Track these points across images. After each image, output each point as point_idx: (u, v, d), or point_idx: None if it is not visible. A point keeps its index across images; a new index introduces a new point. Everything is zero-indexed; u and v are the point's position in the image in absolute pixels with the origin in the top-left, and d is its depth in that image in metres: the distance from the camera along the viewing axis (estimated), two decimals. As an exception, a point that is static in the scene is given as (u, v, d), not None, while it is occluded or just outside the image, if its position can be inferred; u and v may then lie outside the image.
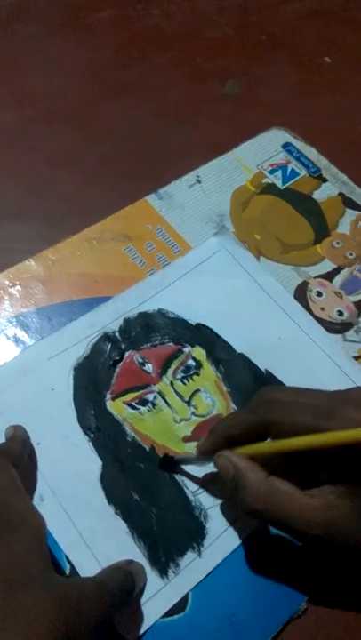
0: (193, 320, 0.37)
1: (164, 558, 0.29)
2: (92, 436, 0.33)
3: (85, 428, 0.33)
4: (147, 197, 0.43)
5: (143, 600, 0.28)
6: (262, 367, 0.36)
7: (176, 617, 0.28)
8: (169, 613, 0.28)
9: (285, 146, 0.47)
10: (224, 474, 0.27)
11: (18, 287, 0.38)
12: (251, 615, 0.29)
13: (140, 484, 0.31)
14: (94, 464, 0.32)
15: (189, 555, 0.30)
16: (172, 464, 0.32)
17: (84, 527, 0.30)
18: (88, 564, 0.29)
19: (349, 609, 0.29)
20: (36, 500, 0.30)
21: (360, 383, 0.35)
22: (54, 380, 0.34)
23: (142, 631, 0.28)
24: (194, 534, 0.30)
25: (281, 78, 0.52)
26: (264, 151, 0.46)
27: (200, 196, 0.43)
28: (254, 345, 0.36)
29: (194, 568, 0.29)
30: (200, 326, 0.37)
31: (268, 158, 0.46)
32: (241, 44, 0.55)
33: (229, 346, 0.36)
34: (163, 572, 0.29)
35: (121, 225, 0.41)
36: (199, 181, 0.44)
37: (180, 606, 0.29)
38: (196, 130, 0.48)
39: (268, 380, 0.35)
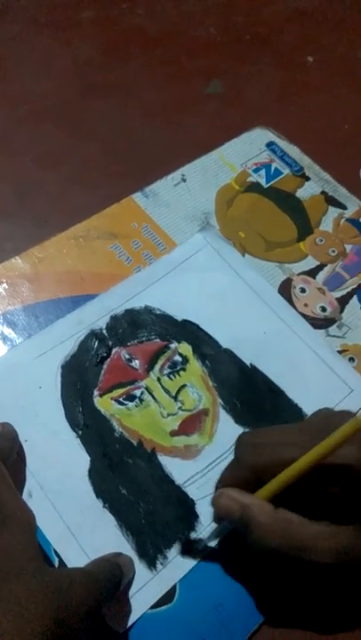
0: (179, 316, 0.38)
1: (152, 550, 0.30)
2: (79, 432, 0.33)
3: (73, 425, 0.33)
4: (132, 196, 0.43)
5: (131, 592, 0.29)
6: (248, 362, 0.36)
7: (164, 607, 0.29)
8: (157, 604, 0.29)
9: (269, 145, 0.47)
10: (229, 514, 0.27)
11: (4, 285, 0.38)
12: (237, 605, 0.29)
13: (128, 478, 0.32)
14: (82, 460, 0.32)
15: (177, 547, 0.30)
16: (195, 549, 0.30)
17: (73, 521, 0.30)
18: (76, 558, 0.29)
19: (330, 604, 0.30)
20: (24, 496, 0.31)
21: (343, 375, 0.36)
22: (42, 378, 0.35)
23: (130, 622, 0.28)
24: (181, 526, 0.31)
25: (265, 78, 0.53)
26: (248, 150, 0.47)
27: (185, 195, 0.44)
28: (240, 340, 0.37)
29: (182, 560, 0.30)
30: (186, 322, 0.38)
31: (252, 157, 0.47)
32: (225, 44, 0.55)
33: (215, 341, 0.37)
34: (151, 564, 0.30)
35: (107, 223, 0.42)
36: (184, 180, 0.45)
37: (167, 597, 0.29)
38: (180, 129, 0.48)
39: (253, 374, 0.36)
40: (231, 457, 0.31)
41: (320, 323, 0.39)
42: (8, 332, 0.36)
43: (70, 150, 0.46)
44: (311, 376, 0.36)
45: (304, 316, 0.39)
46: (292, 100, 0.52)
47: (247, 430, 0.34)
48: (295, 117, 0.50)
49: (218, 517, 0.29)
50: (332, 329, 0.39)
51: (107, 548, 0.29)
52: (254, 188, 0.45)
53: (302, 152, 0.47)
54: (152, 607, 0.29)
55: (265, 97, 0.52)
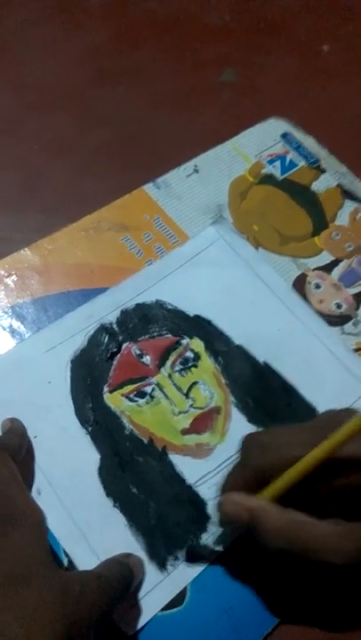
0: (191, 311, 0.37)
1: (163, 551, 0.29)
2: (89, 429, 0.32)
3: (83, 422, 0.33)
4: (144, 187, 0.42)
5: (142, 594, 0.28)
6: (261, 359, 0.35)
7: (174, 610, 0.28)
8: (167, 607, 0.28)
9: (284, 135, 0.46)
10: (236, 519, 0.26)
11: (13, 277, 0.37)
12: (248, 608, 0.29)
13: (139, 477, 0.31)
14: (92, 457, 0.32)
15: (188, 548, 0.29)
16: (200, 555, 0.30)
17: (82, 520, 0.30)
18: (86, 558, 0.29)
19: (345, 606, 0.29)
20: (33, 494, 0.30)
21: (358, 374, 0.35)
22: (51, 373, 0.34)
23: (141, 625, 0.27)
24: (193, 527, 0.30)
25: (279, 66, 0.52)
26: (263, 141, 0.46)
27: (198, 186, 0.43)
28: (253, 336, 0.36)
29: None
30: (198, 318, 0.37)
31: (266, 148, 0.45)
32: (239, 32, 0.54)
33: (228, 337, 0.36)
34: (162, 566, 0.29)
35: (118, 214, 0.41)
36: (197, 171, 0.44)
37: (178, 600, 0.29)
38: (193, 118, 0.47)
39: (266, 371, 0.35)
40: None
41: (335, 320, 0.38)
42: (17, 325, 0.35)
43: (80, 139, 0.45)
44: (326, 375, 0.35)
45: (319, 312, 0.38)
46: (307, 90, 0.50)
47: (252, 431, 0.33)
48: (311, 107, 0.49)
49: (223, 522, 0.29)
50: (348, 326, 0.38)
51: (116, 549, 0.29)
52: (269, 179, 0.44)
53: (318, 143, 0.46)
54: (162, 610, 0.28)
55: (280, 86, 0.50)
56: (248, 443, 0.28)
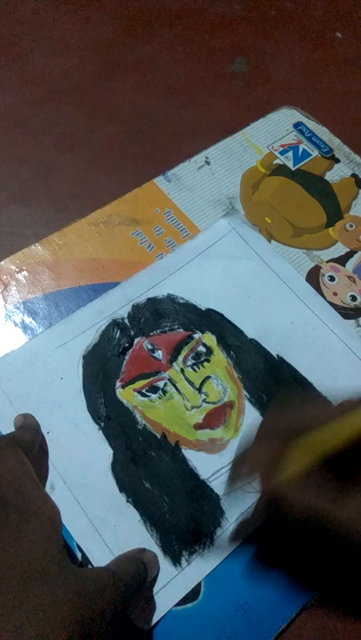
0: (203, 305, 0.36)
1: (177, 547, 0.29)
2: (102, 424, 0.32)
3: (95, 417, 0.33)
4: (155, 180, 0.42)
5: (156, 589, 0.28)
6: (274, 353, 0.35)
7: (189, 605, 0.28)
8: (182, 602, 0.28)
9: (297, 125, 0.45)
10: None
11: (25, 273, 0.37)
12: (263, 604, 0.28)
13: (152, 472, 0.31)
14: (105, 452, 0.32)
15: (202, 543, 0.29)
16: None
17: (96, 516, 0.30)
18: (100, 553, 0.29)
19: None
20: (47, 489, 0.30)
21: None
22: (63, 369, 0.34)
23: (156, 620, 0.27)
24: (207, 522, 0.30)
25: (291, 55, 0.51)
26: (275, 131, 0.45)
27: (209, 178, 0.42)
28: (266, 330, 0.36)
29: (206, 556, 0.29)
30: (210, 312, 0.36)
31: (278, 138, 0.45)
32: (250, 20, 0.53)
33: (240, 331, 0.36)
34: (176, 561, 0.29)
35: (128, 208, 0.40)
36: (208, 163, 0.43)
37: (192, 595, 0.28)
38: (204, 109, 0.47)
39: (280, 365, 0.35)
40: None
41: (350, 312, 0.37)
42: (29, 320, 0.35)
43: (90, 132, 0.45)
44: (340, 368, 0.35)
45: (333, 305, 0.37)
46: (320, 78, 0.49)
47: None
48: (324, 96, 0.48)
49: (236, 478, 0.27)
50: (363, 319, 0.37)
51: (130, 544, 0.29)
52: (281, 170, 0.43)
53: (331, 133, 0.45)
54: (177, 605, 0.28)
55: (292, 75, 0.49)
56: (272, 413, 0.26)
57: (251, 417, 0.33)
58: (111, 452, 0.32)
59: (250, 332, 0.36)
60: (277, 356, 0.35)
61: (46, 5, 0.52)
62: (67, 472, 0.31)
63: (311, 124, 0.45)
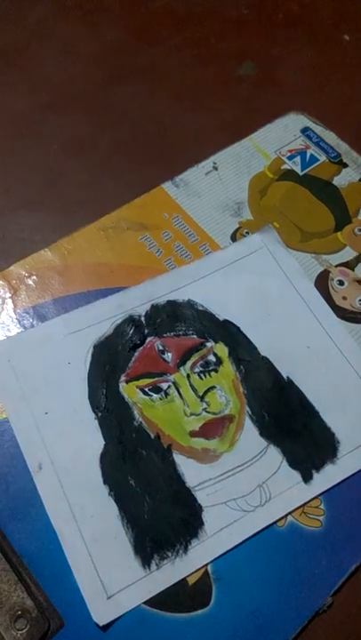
0: (221, 316, 0.36)
1: (150, 549, 0.29)
2: (99, 414, 0.33)
3: (94, 406, 0.33)
4: (163, 185, 0.42)
5: (119, 587, 0.28)
6: (285, 374, 0.35)
7: (200, 612, 0.28)
8: (192, 608, 0.28)
9: (304, 131, 0.45)
10: None
11: (34, 277, 0.37)
12: (275, 610, 0.28)
13: (139, 471, 0.31)
14: (97, 442, 0.32)
15: (175, 550, 0.29)
16: None
17: (76, 503, 0.30)
18: (73, 539, 0.29)
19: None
20: (34, 468, 0.31)
21: None
22: (72, 355, 0.34)
23: (114, 618, 0.28)
24: (184, 531, 0.30)
25: (299, 58, 0.51)
26: (282, 136, 0.45)
27: (217, 184, 0.42)
28: (280, 350, 0.35)
29: (177, 565, 0.29)
30: (227, 323, 0.36)
31: (286, 144, 0.45)
32: (257, 24, 0.53)
33: (254, 347, 0.35)
34: (145, 563, 0.29)
35: (137, 214, 0.40)
36: (216, 168, 0.43)
37: (203, 601, 0.28)
38: (211, 113, 0.47)
39: (288, 388, 0.34)
40: (250, 469, 0.30)
41: (360, 317, 0.37)
42: (37, 325, 0.35)
43: (98, 138, 0.45)
44: (351, 401, 0.34)
45: (342, 309, 0.37)
46: (327, 82, 0.49)
47: (271, 445, 0.32)
48: (331, 100, 0.48)
49: None
50: (372, 324, 0.37)
51: (104, 537, 0.29)
52: (289, 175, 0.43)
53: (339, 137, 0.45)
54: (188, 612, 0.28)
55: (299, 78, 0.49)
56: None
57: (249, 434, 0.33)
58: (103, 442, 0.32)
59: (263, 350, 0.35)
60: (287, 377, 0.34)
61: (54, 12, 0.52)
62: (57, 455, 0.31)
63: (319, 130, 0.45)
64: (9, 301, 0.36)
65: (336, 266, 0.39)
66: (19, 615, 0.27)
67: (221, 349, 0.35)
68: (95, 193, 0.42)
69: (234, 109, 0.47)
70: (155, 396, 0.33)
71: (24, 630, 0.27)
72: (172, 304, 0.36)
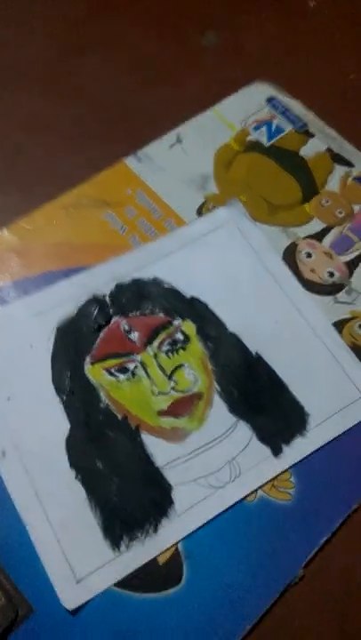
0: (188, 293, 0.36)
1: (119, 530, 0.29)
2: (64, 398, 0.32)
3: (59, 389, 0.32)
4: (125, 160, 0.40)
5: (89, 570, 0.28)
6: (253, 350, 0.34)
7: (172, 591, 0.28)
8: (164, 588, 0.28)
9: (270, 100, 0.44)
10: None
11: (-8, 260, 0.36)
12: (247, 584, 0.28)
13: (106, 452, 0.31)
14: (62, 426, 0.31)
15: (145, 530, 0.29)
16: None
17: (42, 488, 0.29)
18: (40, 525, 0.29)
19: (347, 574, 0.29)
20: None
21: (355, 379, 0.33)
22: (35, 337, 0.33)
23: (83, 602, 0.27)
24: (153, 510, 0.29)
25: (263, 27, 0.49)
26: (247, 107, 0.44)
27: (181, 157, 0.41)
28: (248, 326, 0.35)
29: (147, 545, 0.29)
30: (194, 300, 0.35)
31: (251, 114, 0.44)
32: (220, -8, 0.51)
33: (222, 324, 0.35)
34: (115, 544, 0.28)
35: (98, 190, 0.39)
36: (180, 141, 0.42)
37: (175, 579, 0.28)
38: (174, 85, 0.45)
39: (256, 363, 0.34)
40: (219, 446, 0.30)
41: (328, 289, 0.37)
42: (-2, 309, 0.34)
43: (57, 112, 0.43)
44: (320, 374, 0.33)
45: (311, 282, 0.37)
46: (293, 50, 0.48)
47: (241, 420, 0.32)
48: (297, 69, 0.47)
49: None
50: (341, 295, 0.37)
51: (72, 521, 0.29)
52: (255, 147, 0.42)
53: (305, 107, 0.44)
54: (159, 590, 0.28)
55: (264, 47, 0.48)
56: None
57: (218, 411, 0.32)
58: (69, 426, 0.31)
59: (232, 326, 0.35)
60: (256, 353, 0.34)
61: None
62: (21, 440, 0.30)
63: (284, 99, 0.44)
64: (-33, 285, 0.35)
65: (304, 238, 0.39)
66: (-15, 604, 0.26)
67: (189, 327, 0.34)
68: (55, 170, 0.40)
69: (197, 81, 0.46)
70: (121, 376, 0.33)
71: (-9, 619, 0.26)
72: (137, 282, 0.36)
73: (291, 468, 0.31)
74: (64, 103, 0.44)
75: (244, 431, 0.32)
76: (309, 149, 0.42)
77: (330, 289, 0.37)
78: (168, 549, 0.29)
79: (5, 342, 0.33)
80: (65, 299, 0.35)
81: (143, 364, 0.33)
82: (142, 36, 0.48)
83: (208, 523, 0.29)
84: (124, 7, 0.49)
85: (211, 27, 0.49)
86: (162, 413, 0.32)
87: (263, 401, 0.32)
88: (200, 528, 0.29)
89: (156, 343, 0.34)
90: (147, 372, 0.33)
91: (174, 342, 0.34)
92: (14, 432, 0.31)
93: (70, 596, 0.27)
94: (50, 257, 0.36)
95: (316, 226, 0.39)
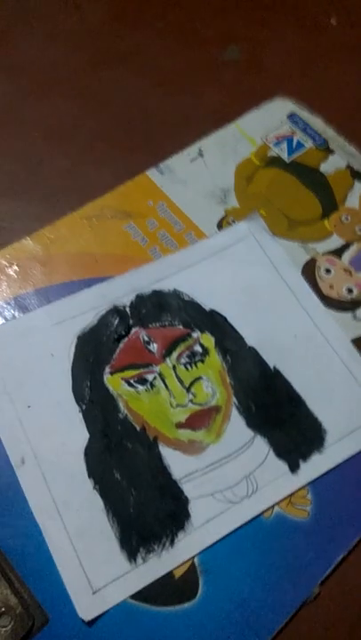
0: (207, 305, 0.36)
1: (136, 542, 0.29)
2: (83, 407, 0.32)
3: (78, 399, 0.32)
4: (147, 172, 0.41)
5: (105, 581, 0.28)
6: (271, 364, 0.34)
7: (187, 605, 0.28)
8: (179, 601, 0.28)
9: (291, 116, 0.45)
10: None
11: (15, 267, 0.36)
12: (263, 601, 0.28)
13: (124, 463, 0.31)
14: (81, 435, 0.31)
15: (162, 543, 0.29)
16: None
17: (60, 497, 0.30)
18: (57, 534, 0.29)
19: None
20: (16, 462, 0.30)
21: None
22: (56, 346, 0.33)
23: (99, 613, 0.27)
24: (171, 523, 0.29)
25: (285, 42, 0.50)
26: (268, 122, 0.44)
27: (203, 170, 0.41)
28: (267, 340, 0.35)
29: (163, 558, 0.29)
30: (214, 313, 0.36)
31: (272, 129, 0.44)
32: (242, 7, 0.52)
33: (241, 337, 0.35)
34: (131, 556, 0.29)
35: (121, 201, 0.39)
36: (201, 154, 0.42)
37: (190, 594, 0.28)
38: (196, 99, 0.46)
39: (275, 378, 0.34)
40: (236, 460, 0.30)
41: (346, 305, 0.37)
42: (20, 316, 0.35)
43: (81, 124, 0.44)
44: (338, 391, 0.33)
45: (329, 298, 0.37)
46: (314, 66, 0.49)
47: (258, 435, 0.32)
48: (318, 85, 0.47)
49: None
50: (360, 312, 0.37)
51: (89, 531, 0.29)
52: (275, 162, 0.42)
53: (326, 123, 0.44)
54: (174, 604, 0.28)
55: (285, 63, 0.49)
56: None
57: (235, 425, 0.32)
58: (87, 435, 0.31)
59: (250, 340, 0.35)
60: (274, 367, 0.34)
61: (34, -7, 0.51)
62: (40, 449, 0.31)
63: (305, 115, 0.45)
64: (-11, 292, 0.35)
65: (323, 254, 0.39)
66: (2, 612, 0.27)
67: (208, 340, 0.35)
68: (78, 180, 0.41)
69: (219, 95, 0.46)
70: (140, 387, 0.33)
71: (8, 627, 0.26)
72: (157, 294, 0.36)
73: (308, 484, 0.31)
74: (88, 113, 0.44)
75: (261, 446, 0.32)
76: (330, 166, 0.43)
77: (349, 305, 0.37)
78: (184, 563, 0.29)
79: (26, 351, 0.33)
80: (86, 308, 0.35)
81: (162, 376, 0.33)
82: (166, 50, 0.48)
83: (224, 537, 0.29)
84: (149, 20, 0.50)
85: (233, 41, 0.50)
86: (179, 426, 0.32)
87: (281, 416, 0.33)
88: (216, 542, 0.29)
89: (174, 355, 0.34)
90: (165, 384, 0.33)
91: (193, 355, 0.34)
92: (34, 440, 0.31)
93: (86, 607, 0.27)
94: (72, 266, 0.37)
95: (335, 242, 0.39)
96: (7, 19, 0.49)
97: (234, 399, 0.33)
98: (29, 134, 0.43)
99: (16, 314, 0.35)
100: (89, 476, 0.30)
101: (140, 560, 0.28)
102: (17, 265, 0.37)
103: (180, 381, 0.33)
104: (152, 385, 0.33)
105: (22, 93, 0.45)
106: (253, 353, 0.34)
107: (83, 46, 0.48)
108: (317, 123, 0.44)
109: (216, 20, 0.51)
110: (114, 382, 0.33)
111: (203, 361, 0.34)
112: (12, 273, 0.36)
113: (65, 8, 0.50)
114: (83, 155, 0.42)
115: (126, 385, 0.33)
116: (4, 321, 0.34)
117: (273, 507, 0.30)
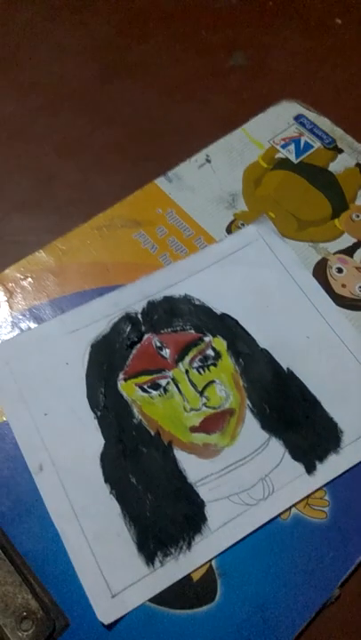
0: (219, 309, 0.36)
1: (153, 546, 0.29)
2: (98, 413, 0.32)
3: (93, 405, 0.33)
4: (155, 180, 0.41)
5: (123, 586, 0.28)
6: (285, 365, 0.34)
7: (205, 608, 0.28)
8: (198, 604, 0.28)
9: (297, 118, 0.45)
10: None
11: (29, 279, 0.37)
12: (281, 603, 0.28)
13: (140, 468, 0.31)
14: (97, 441, 0.32)
15: (179, 547, 0.29)
16: None
17: (77, 502, 0.30)
18: (76, 539, 0.29)
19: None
20: (35, 469, 0.31)
21: None
22: (70, 355, 0.34)
23: (119, 616, 0.27)
24: (187, 527, 0.29)
25: (290, 45, 0.50)
26: (275, 125, 0.44)
27: (211, 176, 0.42)
28: (280, 342, 0.35)
29: (181, 561, 0.29)
30: (225, 316, 0.36)
31: (279, 132, 0.44)
32: (247, 13, 0.52)
33: (253, 340, 0.35)
34: (149, 560, 0.29)
35: (130, 211, 0.40)
36: (209, 161, 0.43)
37: (209, 596, 0.28)
38: (203, 106, 0.46)
39: (288, 379, 0.34)
40: (252, 463, 0.30)
41: (360, 304, 0.37)
42: (34, 326, 0.35)
43: (90, 137, 0.45)
44: (353, 390, 0.33)
45: (342, 297, 0.37)
46: (320, 68, 0.49)
47: (273, 437, 0.32)
48: (324, 86, 0.47)
49: None
50: (373, 310, 0.36)
51: (107, 535, 0.29)
52: (283, 164, 0.43)
53: (333, 123, 0.44)
54: (192, 607, 0.28)
55: (291, 66, 0.49)
56: None
57: (250, 427, 0.32)
58: (103, 441, 0.32)
59: (262, 342, 0.35)
60: (287, 369, 0.34)
61: (42, 13, 0.52)
62: (57, 455, 0.31)
63: (312, 116, 0.45)
64: (5, 305, 0.36)
65: (334, 253, 0.39)
66: (24, 616, 0.27)
67: (220, 343, 0.35)
68: (88, 192, 0.42)
69: (226, 101, 0.47)
70: (154, 392, 0.33)
71: (30, 631, 0.27)
72: (168, 300, 0.36)
73: (325, 485, 0.30)
74: (97, 126, 0.45)
75: (276, 448, 0.32)
76: (339, 165, 0.42)
77: (361, 304, 0.37)
78: (202, 566, 0.29)
79: (42, 360, 0.34)
80: (98, 317, 0.36)
81: (175, 381, 0.34)
82: (172, 59, 0.49)
83: (242, 540, 0.29)
84: (153, 31, 0.51)
85: (238, 47, 0.50)
86: (194, 429, 0.32)
87: (296, 417, 0.32)
88: (234, 545, 0.29)
89: (187, 360, 0.34)
90: (178, 389, 0.33)
91: (205, 359, 0.34)
92: (51, 447, 0.32)
93: (106, 611, 0.28)
94: (84, 276, 0.37)
95: (346, 241, 0.39)
96: (16, 38, 0.51)
97: (248, 402, 0.33)
98: (40, 149, 0.44)
99: (31, 324, 0.36)
100: (105, 482, 0.31)
101: (157, 564, 0.29)
102: (31, 277, 0.37)
103: (194, 385, 0.33)
104: (165, 390, 0.33)
105: (32, 110, 0.46)
106: (266, 355, 0.34)
107: (90, 60, 0.49)
108: (325, 122, 0.44)
109: (221, 26, 0.51)
110: (128, 388, 0.33)
111: (215, 364, 0.34)
112: (26, 285, 0.37)
113: (71, 25, 0.51)
114: (93, 167, 0.43)
115: (140, 391, 0.33)
116: (19, 331, 0.35)
117: (290, 508, 0.30)
